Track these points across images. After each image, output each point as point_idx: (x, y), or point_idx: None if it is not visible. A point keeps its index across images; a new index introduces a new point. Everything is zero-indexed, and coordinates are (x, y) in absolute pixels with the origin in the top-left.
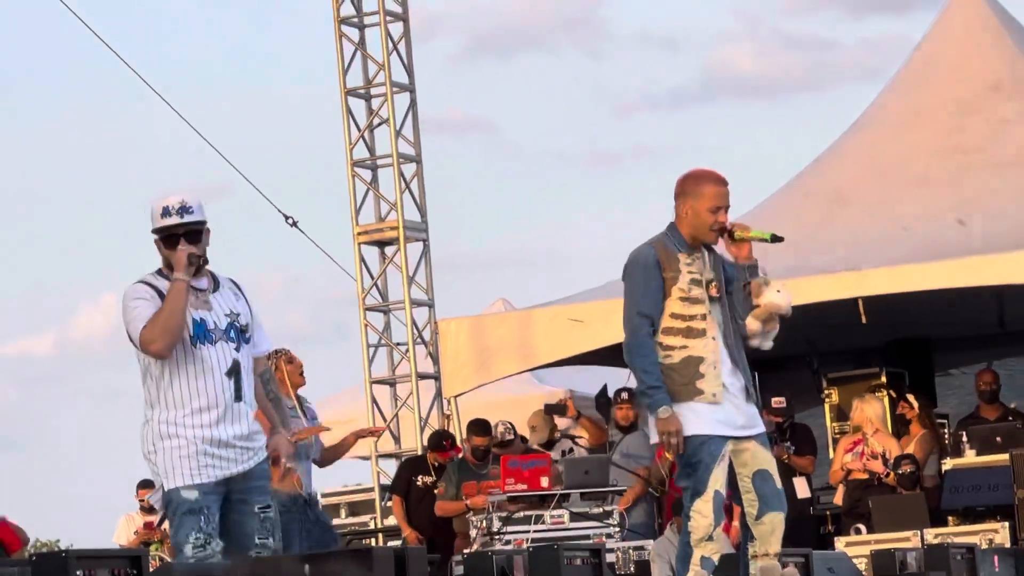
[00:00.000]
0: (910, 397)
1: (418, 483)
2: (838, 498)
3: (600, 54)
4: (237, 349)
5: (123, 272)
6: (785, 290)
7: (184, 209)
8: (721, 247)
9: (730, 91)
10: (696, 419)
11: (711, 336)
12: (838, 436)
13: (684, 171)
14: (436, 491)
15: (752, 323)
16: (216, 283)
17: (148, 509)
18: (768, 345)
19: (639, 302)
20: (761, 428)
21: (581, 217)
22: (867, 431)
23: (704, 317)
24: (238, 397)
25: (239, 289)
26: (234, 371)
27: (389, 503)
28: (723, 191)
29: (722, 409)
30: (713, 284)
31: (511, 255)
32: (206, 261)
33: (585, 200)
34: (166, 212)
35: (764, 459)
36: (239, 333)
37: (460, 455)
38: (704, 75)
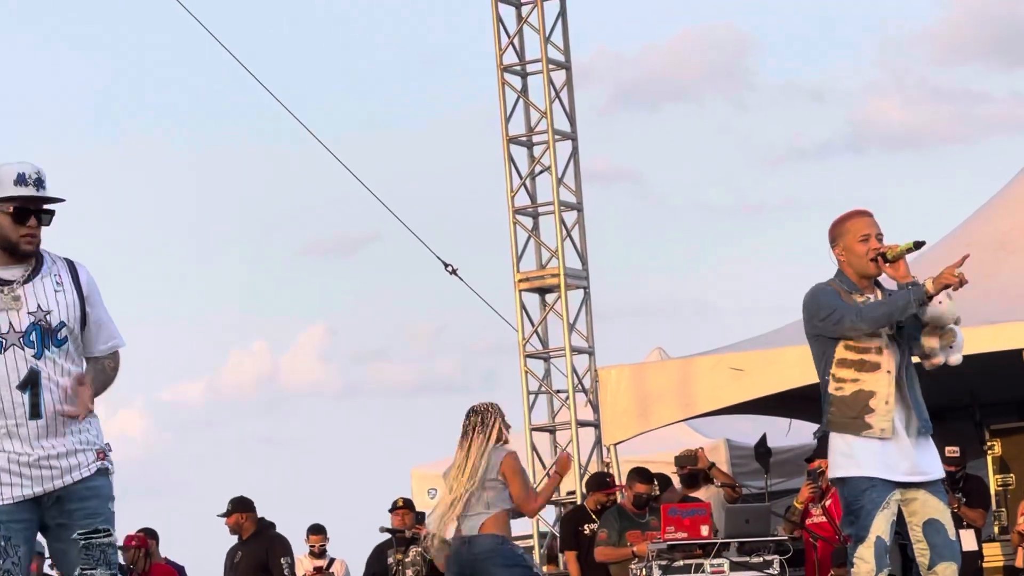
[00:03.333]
0: None
1: (585, 532)
2: (1020, 560)
3: (746, 105)
4: (37, 356)
5: (275, 317)
6: (948, 299)
7: (40, 182)
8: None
9: (878, 143)
10: (861, 461)
11: (885, 370)
12: (1000, 489)
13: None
14: (599, 535)
15: (929, 340)
16: (37, 270)
17: (318, 554)
18: (956, 359)
19: (834, 305)
20: (936, 474)
21: (730, 268)
22: None
23: (880, 351)
24: (35, 414)
25: (73, 276)
26: (30, 382)
27: (547, 552)
28: (868, 220)
29: (889, 451)
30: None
31: (663, 305)
32: (38, 243)
33: (733, 251)
34: (21, 179)
35: (935, 508)
36: (45, 335)
37: (619, 501)
38: (851, 127)
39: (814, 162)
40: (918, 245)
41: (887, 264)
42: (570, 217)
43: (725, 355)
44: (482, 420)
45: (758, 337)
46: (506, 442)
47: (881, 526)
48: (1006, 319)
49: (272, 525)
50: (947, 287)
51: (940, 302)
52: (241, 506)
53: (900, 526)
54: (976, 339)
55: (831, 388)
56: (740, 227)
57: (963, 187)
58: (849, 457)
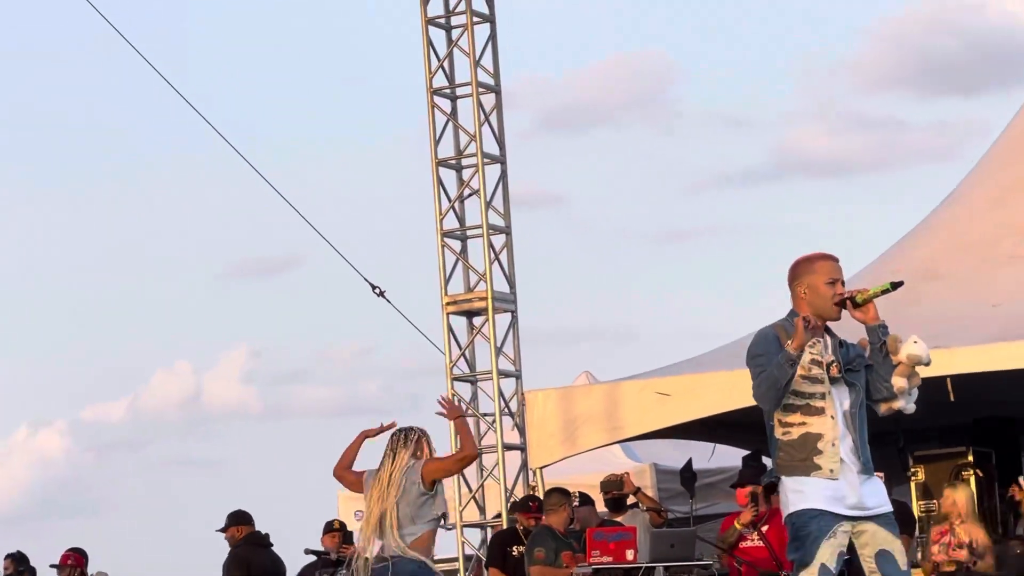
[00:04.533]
0: (1023, 480)
1: (513, 553)
2: None
3: (671, 131)
4: None
5: (198, 338)
6: (921, 340)
7: None
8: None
9: (801, 170)
10: (809, 494)
11: (830, 415)
12: (923, 515)
13: (794, 259)
14: (535, 555)
15: (898, 381)
16: None
17: None
18: (912, 407)
19: (757, 365)
20: (884, 508)
21: (655, 293)
22: (954, 520)
23: (824, 396)
24: None
25: None
26: None
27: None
28: (836, 265)
29: (838, 486)
30: (834, 365)
31: (590, 329)
32: None
33: (658, 276)
34: None
35: (884, 539)
36: None
37: (544, 523)
38: (775, 154)
39: (738, 189)
40: (895, 286)
41: (855, 308)
42: (498, 240)
43: (651, 380)
44: (404, 438)
45: (684, 362)
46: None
47: (826, 554)
48: (930, 347)
49: (258, 541)
50: (809, 335)
51: (916, 342)
52: (236, 520)
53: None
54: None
55: (778, 433)
56: (665, 252)
57: (886, 215)
58: (799, 493)
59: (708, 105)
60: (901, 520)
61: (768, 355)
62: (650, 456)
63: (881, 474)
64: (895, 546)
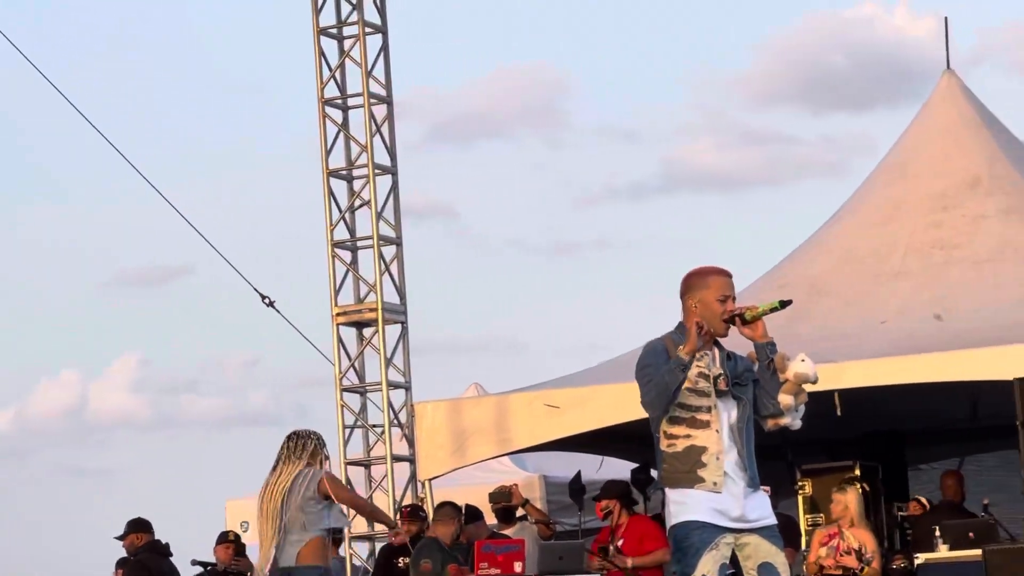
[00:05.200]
0: (922, 498)
1: (399, 564)
2: None
3: (561, 144)
4: None
5: (86, 347)
6: (809, 359)
7: None
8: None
9: (691, 184)
10: (691, 506)
11: (715, 428)
12: (811, 528)
13: (685, 273)
14: (422, 566)
15: (785, 398)
16: None
17: None
18: (798, 424)
19: (646, 376)
20: (767, 521)
21: (544, 306)
22: (844, 525)
23: (710, 410)
24: None
25: None
26: None
27: None
28: (729, 282)
29: (721, 499)
30: (722, 378)
31: (480, 341)
32: None
33: (548, 289)
34: None
35: (767, 551)
36: None
37: (431, 535)
38: (665, 168)
39: (627, 202)
40: (784, 304)
41: (744, 325)
42: (389, 252)
43: (541, 392)
44: (300, 446)
45: (573, 375)
46: (321, 466)
47: (708, 565)
48: (818, 361)
49: (158, 549)
50: (701, 342)
51: (803, 360)
52: (136, 527)
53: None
54: None
55: (663, 445)
56: (555, 265)
57: (775, 230)
58: (681, 505)
59: (598, 118)
60: (787, 534)
61: (656, 366)
62: (539, 468)
63: (767, 488)
64: (778, 559)
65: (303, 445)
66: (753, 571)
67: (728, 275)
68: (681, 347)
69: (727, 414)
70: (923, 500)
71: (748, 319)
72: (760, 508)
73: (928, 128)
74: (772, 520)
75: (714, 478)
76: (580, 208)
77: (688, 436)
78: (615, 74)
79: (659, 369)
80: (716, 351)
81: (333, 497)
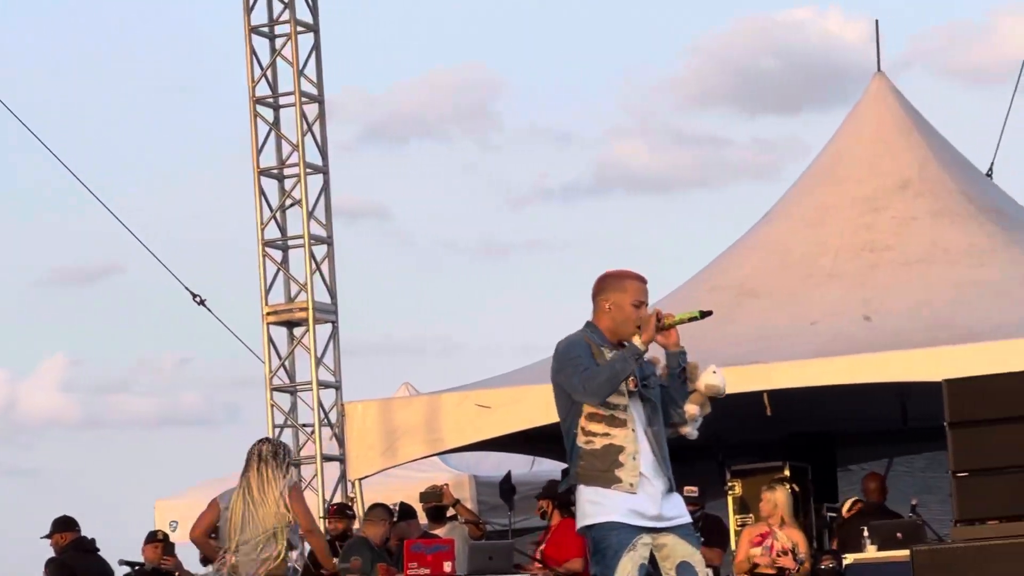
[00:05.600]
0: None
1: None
2: None
3: (492, 144)
4: None
5: (14, 346)
6: (720, 371)
7: None
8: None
9: (622, 186)
10: (608, 507)
11: (631, 428)
12: (740, 528)
13: (601, 273)
14: (352, 563)
15: (691, 408)
16: None
17: None
18: (695, 434)
19: (579, 365)
20: (683, 519)
21: (476, 306)
22: (774, 523)
23: (626, 409)
24: None
25: None
26: None
27: None
28: (644, 288)
29: (637, 499)
30: (631, 379)
31: (410, 341)
32: None
33: (479, 290)
34: None
35: (684, 551)
36: None
37: (361, 534)
38: (597, 169)
39: (559, 203)
40: (704, 315)
41: (659, 332)
42: (320, 251)
43: (472, 392)
44: (282, 453)
45: (504, 375)
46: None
47: (627, 567)
48: (747, 362)
49: (84, 546)
50: (660, 330)
51: (714, 372)
52: (62, 526)
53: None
54: None
55: (580, 441)
56: (486, 266)
57: (706, 231)
58: (597, 504)
59: (531, 119)
60: (715, 533)
61: (583, 356)
62: (470, 468)
63: (695, 489)
64: (695, 558)
65: (283, 453)
66: (672, 571)
67: (644, 281)
68: (637, 335)
69: (640, 415)
70: (862, 501)
71: (665, 326)
72: (676, 507)
73: (859, 130)
74: (688, 518)
75: (630, 479)
76: (512, 209)
77: (607, 435)
78: (547, 76)
79: (588, 360)
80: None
81: (292, 510)
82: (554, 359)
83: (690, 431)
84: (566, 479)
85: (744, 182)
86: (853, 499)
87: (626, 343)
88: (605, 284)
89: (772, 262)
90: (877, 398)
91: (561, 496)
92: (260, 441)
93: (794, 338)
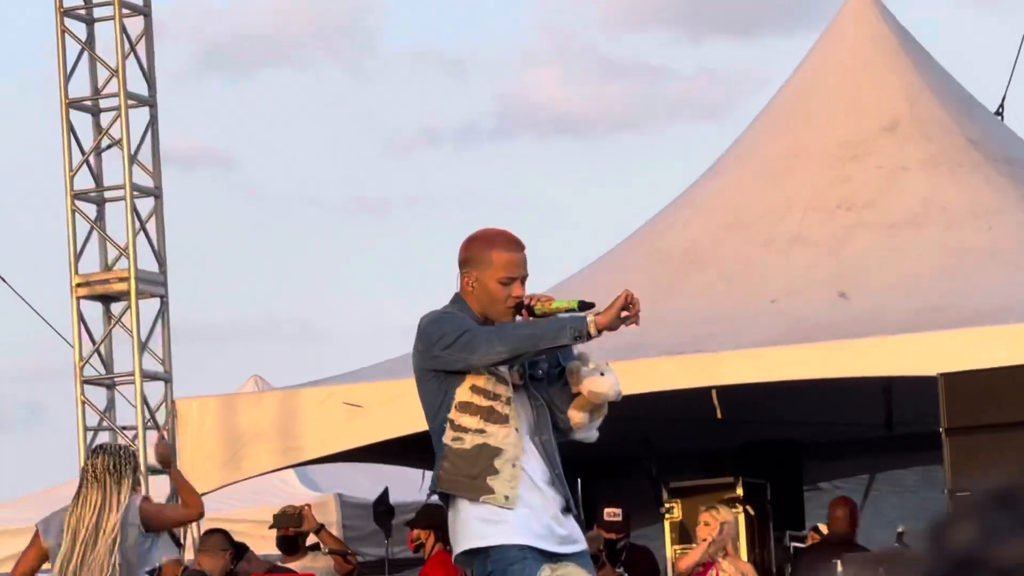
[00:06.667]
0: (822, 527)
1: None
2: None
3: (366, 75)
4: None
5: None
6: (611, 371)
7: None
8: None
9: (533, 127)
10: (513, 526)
11: (514, 427)
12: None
13: (470, 233)
14: None
15: (576, 415)
16: None
17: None
18: (593, 436)
19: (463, 327)
20: (582, 546)
21: (345, 279)
22: (717, 554)
23: (508, 402)
24: None
25: None
26: None
27: None
28: (516, 258)
29: (540, 517)
30: (515, 370)
31: (261, 322)
32: None
33: (350, 258)
34: None
35: None
36: None
37: (197, 567)
38: (501, 107)
39: (452, 149)
40: (583, 307)
41: (531, 318)
42: (145, 206)
43: (338, 387)
44: (120, 464)
45: (380, 365)
46: (135, 491)
47: None
48: (691, 350)
49: None
50: (619, 322)
51: (603, 373)
52: None
53: None
54: (652, 374)
55: (447, 438)
56: (359, 228)
57: (640, 185)
58: (493, 523)
59: (415, 42)
60: (643, 568)
61: (462, 318)
62: (334, 485)
63: (617, 511)
64: None
65: (123, 463)
66: None
67: (520, 248)
68: (596, 314)
69: (524, 413)
70: (822, 528)
71: (537, 313)
72: (575, 530)
73: (834, 57)
74: (584, 546)
75: (506, 491)
76: (392, 156)
77: (481, 431)
78: None
79: (484, 332)
80: None
81: (166, 524)
82: (420, 338)
83: (585, 436)
84: (430, 486)
85: (688, 123)
86: (811, 527)
87: (569, 312)
88: (469, 254)
89: (723, 225)
90: (855, 397)
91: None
92: (95, 452)
93: (750, 320)
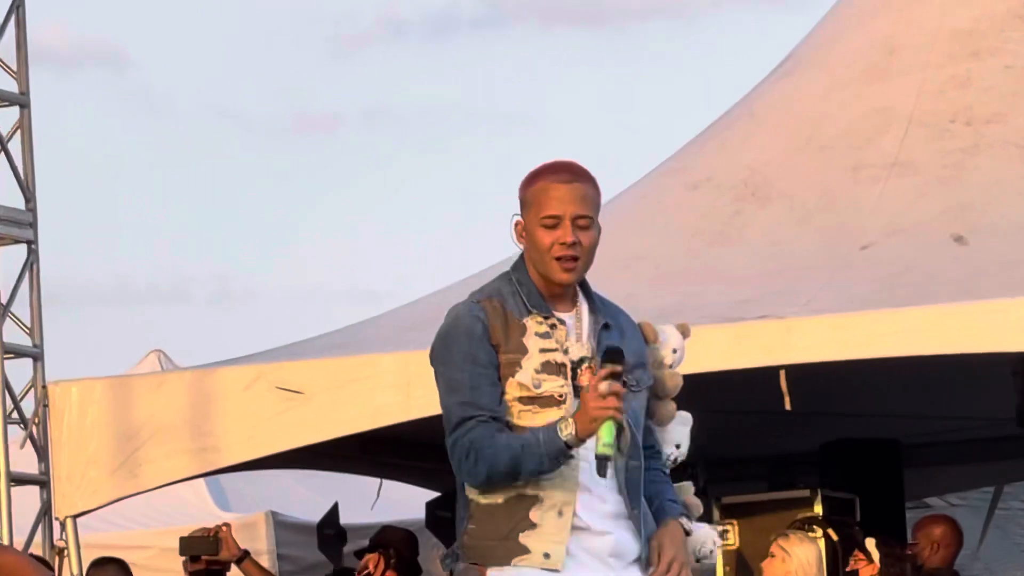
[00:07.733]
0: (869, 544)
1: None
2: None
3: None
4: None
5: None
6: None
7: None
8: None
9: (532, 14)
10: None
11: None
12: None
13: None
14: None
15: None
16: None
17: None
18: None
19: (461, 390)
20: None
21: (275, 224)
22: None
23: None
24: None
25: None
26: None
27: None
28: (563, 189)
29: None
30: (586, 365)
31: (160, 282)
32: None
33: (283, 197)
34: None
35: None
36: None
37: None
38: None
39: (421, 44)
40: (619, 428)
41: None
42: (7, 118)
43: (268, 366)
44: None
45: (328, 336)
46: None
47: None
48: (753, 316)
49: None
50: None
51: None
52: None
53: None
54: (699, 349)
55: (472, 492)
56: (295, 153)
57: (681, 90)
58: None
59: None
60: None
61: (472, 372)
62: (265, 500)
63: None
64: None
65: None
66: None
67: (571, 176)
68: (569, 424)
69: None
70: (872, 549)
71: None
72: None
73: None
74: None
75: (547, 547)
76: (342, 55)
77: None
78: None
79: (474, 377)
80: (583, 306)
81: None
82: (436, 338)
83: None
84: (447, 558)
85: (745, 6)
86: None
87: (550, 427)
88: (521, 195)
89: (794, 143)
90: (975, 382)
91: (404, 551)
92: None
93: (832, 274)
